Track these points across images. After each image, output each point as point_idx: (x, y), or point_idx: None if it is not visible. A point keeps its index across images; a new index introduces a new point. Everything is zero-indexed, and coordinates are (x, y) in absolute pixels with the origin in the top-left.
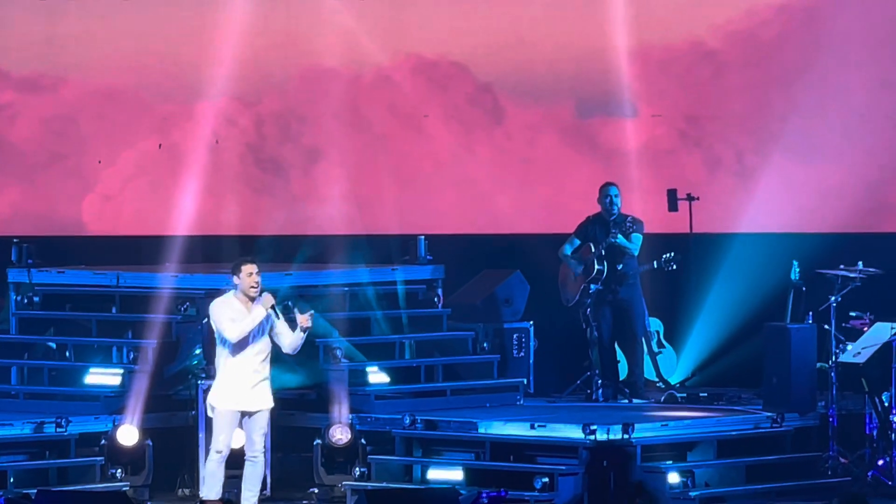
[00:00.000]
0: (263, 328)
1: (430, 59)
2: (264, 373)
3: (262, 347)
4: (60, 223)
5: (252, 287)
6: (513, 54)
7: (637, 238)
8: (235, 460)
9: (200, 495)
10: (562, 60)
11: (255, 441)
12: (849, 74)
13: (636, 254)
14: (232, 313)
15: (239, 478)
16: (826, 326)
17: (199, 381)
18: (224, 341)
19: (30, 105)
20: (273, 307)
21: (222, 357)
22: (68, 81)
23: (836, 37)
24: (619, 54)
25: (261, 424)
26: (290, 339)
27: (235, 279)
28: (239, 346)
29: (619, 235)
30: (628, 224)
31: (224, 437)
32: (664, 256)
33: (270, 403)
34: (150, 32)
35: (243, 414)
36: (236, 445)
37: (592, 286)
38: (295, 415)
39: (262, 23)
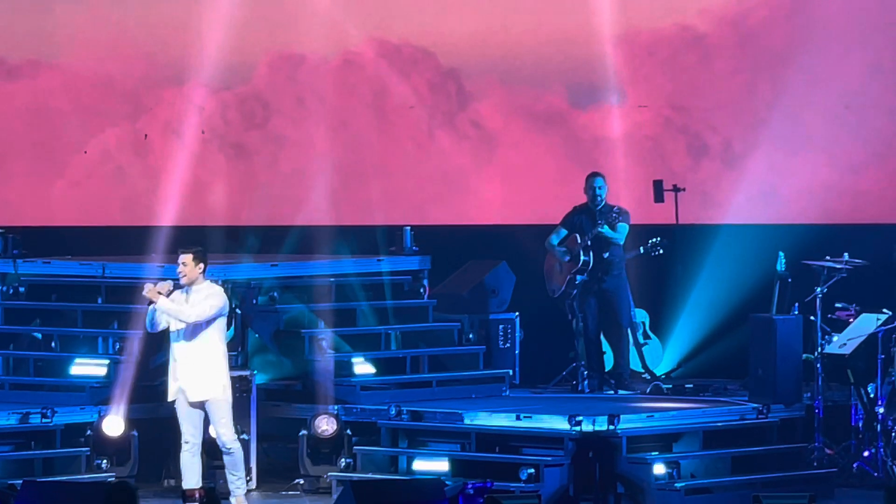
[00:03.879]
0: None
1: (411, 46)
2: (207, 364)
3: (196, 338)
4: (41, 213)
5: (178, 275)
6: (497, 41)
7: (623, 228)
8: (218, 451)
9: (182, 486)
10: (547, 48)
11: (221, 434)
12: (836, 61)
13: (622, 243)
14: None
15: (223, 467)
16: (812, 318)
17: None
18: None
19: (6, 92)
20: (150, 302)
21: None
22: (47, 68)
23: (824, 23)
24: (605, 41)
25: (219, 416)
26: None
27: None
28: (171, 337)
29: (605, 226)
30: (614, 214)
31: (187, 427)
32: (651, 241)
33: (211, 394)
34: (129, 20)
35: (195, 404)
36: (214, 435)
37: (578, 277)
38: (280, 405)
39: (245, 11)
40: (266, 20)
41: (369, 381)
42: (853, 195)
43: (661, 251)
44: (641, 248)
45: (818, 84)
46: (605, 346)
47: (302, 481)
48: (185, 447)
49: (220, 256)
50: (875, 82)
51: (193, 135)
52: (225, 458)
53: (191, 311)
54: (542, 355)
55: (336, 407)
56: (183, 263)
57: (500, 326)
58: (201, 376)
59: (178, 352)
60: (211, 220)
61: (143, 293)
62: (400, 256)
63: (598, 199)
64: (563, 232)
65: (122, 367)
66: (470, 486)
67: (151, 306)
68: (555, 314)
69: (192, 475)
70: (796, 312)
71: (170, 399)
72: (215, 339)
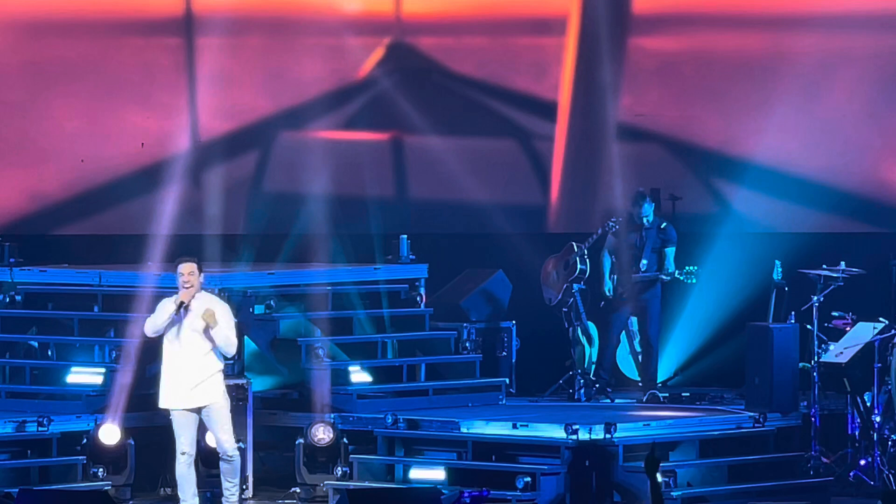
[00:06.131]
0: (198, 325)
1: (412, 50)
2: (208, 369)
3: (199, 343)
4: (37, 221)
5: (182, 286)
6: (494, 50)
7: (671, 252)
8: (215, 459)
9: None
10: (544, 56)
11: (222, 441)
12: (829, 72)
13: (671, 270)
14: (166, 307)
15: (219, 476)
16: (808, 326)
17: None
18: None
19: (1, 99)
20: (181, 304)
21: (162, 355)
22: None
23: (821, 34)
24: (603, 50)
25: (220, 423)
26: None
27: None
28: (171, 345)
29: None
30: (660, 238)
31: (184, 438)
32: (686, 269)
33: (216, 399)
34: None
35: (197, 412)
36: (212, 444)
37: (575, 286)
38: (277, 414)
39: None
40: (260, 42)
41: (366, 389)
42: (849, 204)
43: (695, 280)
44: (677, 272)
45: (815, 94)
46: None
47: (298, 490)
48: (181, 459)
49: (217, 265)
50: (871, 93)
51: (189, 143)
52: (223, 465)
53: (232, 340)
54: (539, 364)
55: (332, 415)
56: (190, 273)
57: (497, 335)
58: (203, 382)
59: (178, 359)
60: (207, 229)
61: (182, 300)
62: (396, 265)
63: (646, 222)
64: (608, 257)
65: (119, 375)
66: (466, 494)
67: (172, 314)
68: (551, 323)
69: (188, 486)
70: (793, 321)
71: (166, 406)
72: (212, 347)
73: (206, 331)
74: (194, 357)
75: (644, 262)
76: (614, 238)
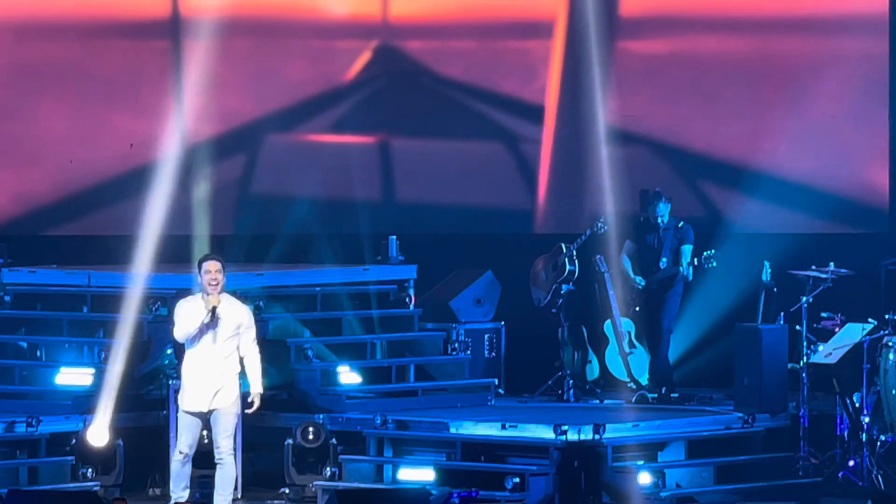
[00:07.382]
0: (224, 329)
1: (400, 53)
2: (228, 374)
3: (222, 348)
4: (26, 222)
5: (210, 285)
6: (483, 51)
7: (687, 250)
8: (207, 460)
9: (172, 496)
10: (533, 58)
11: (220, 444)
12: (817, 74)
13: (685, 271)
14: (191, 311)
15: (210, 478)
16: (797, 327)
17: (170, 381)
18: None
19: None
20: (213, 311)
21: (183, 357)
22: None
23: (804, 36)
24: (593, 51)
25: (224, 426)
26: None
27: (198, 277)
28: (193, 346)
29: (668, 266)
30: (676, 240)
31: (185, 439)
32: (704, 254)
33: (229, 403)
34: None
35: (207, 414)
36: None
37: (564, 286)
38: (266, 415)
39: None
40: (247, 45)
41: (355, 390)
42: (838, 205)
43: (715, 264)
44: (696, 261)
45: (802, 97)
46: (591, 356)
47: (287, 490)
48: (178, 457)
49: None
50: (858, 96)
51: (178, 144)
52: (217, 473)
53: (257, 364)
54: (528, 365)
55: (321, 416)
56: (217, 270)
57: (486, 336)
58: (223, 385)
59: (200, 363)
60: (196, 229)
61: (214, 305)
62: (386, 266)
63: (661, 222)
64: (628, 263)
65: (108, 376)
66: (455, 495)
67: (204, 322)
68: (540, 323)
69: (180, 481)
70: (782, 322)
71: (186, 409)
72: (235, 351)
73: (230, 336)
74: (216, 361)
75: (664, 260)
76: (632, 244)
